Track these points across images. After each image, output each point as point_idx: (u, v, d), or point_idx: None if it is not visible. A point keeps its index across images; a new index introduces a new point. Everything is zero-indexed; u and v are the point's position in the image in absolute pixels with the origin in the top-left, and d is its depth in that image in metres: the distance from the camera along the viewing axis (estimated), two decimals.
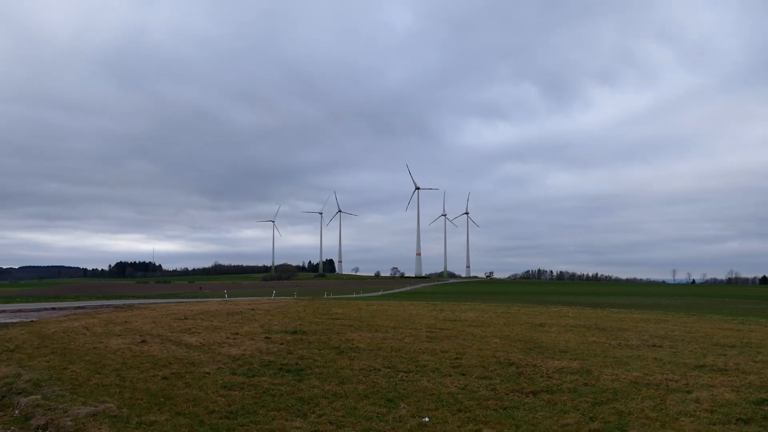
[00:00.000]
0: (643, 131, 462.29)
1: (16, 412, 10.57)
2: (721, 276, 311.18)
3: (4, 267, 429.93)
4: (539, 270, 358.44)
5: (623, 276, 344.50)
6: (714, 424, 9.65)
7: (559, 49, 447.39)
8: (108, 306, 40.46)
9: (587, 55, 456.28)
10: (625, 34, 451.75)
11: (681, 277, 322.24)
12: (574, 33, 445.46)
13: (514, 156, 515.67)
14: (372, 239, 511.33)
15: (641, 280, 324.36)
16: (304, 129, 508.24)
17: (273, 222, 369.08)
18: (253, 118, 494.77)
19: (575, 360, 15.49)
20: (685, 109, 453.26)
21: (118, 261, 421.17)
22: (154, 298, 70.20)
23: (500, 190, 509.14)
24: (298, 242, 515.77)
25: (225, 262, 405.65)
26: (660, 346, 18.47)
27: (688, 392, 11.86)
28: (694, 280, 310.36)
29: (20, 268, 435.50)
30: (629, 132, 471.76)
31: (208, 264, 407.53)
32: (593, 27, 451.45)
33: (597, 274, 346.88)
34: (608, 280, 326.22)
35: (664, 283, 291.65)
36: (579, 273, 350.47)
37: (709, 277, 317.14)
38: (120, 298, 64.57)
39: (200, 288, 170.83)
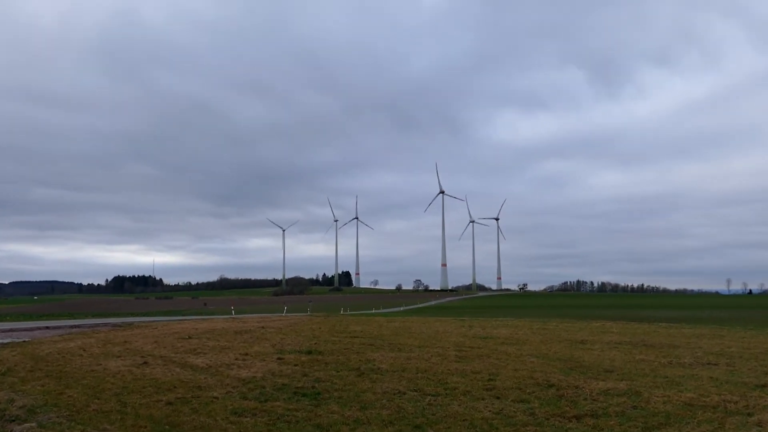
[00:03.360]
0: (702, 121, 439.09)
1: None
2: None
3: None
4: (578, 281, 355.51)
5: (672, 287, 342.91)
6: None
7: (610, 27, 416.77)
8: (106, 324, 40.94)
9: (642, 33, 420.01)
10: (686, 8, 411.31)
11: (736, 287, 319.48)
12: (627, 8, 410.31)
13: (554, 152, 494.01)
14: (393, 248, 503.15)
15: (692, 291, 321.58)
16: (319, 124, 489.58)
17: (283, 230, 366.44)
18: (261, 113, 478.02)
19: (622, 380, 15.42)
20: (751, 95, 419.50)
21: (116, 275, 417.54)
22: (155, 315, 70.82)
23: (536, 191, 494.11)
24: (311, 252, 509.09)
25: (231, 276, 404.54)
26: (716, 364, 18.33)
27: (749, 415, 11.70)
28: (750, 291, 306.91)
29: (10, 283, 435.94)
30: (686, 122, 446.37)
31: (213, 278, 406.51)
32: (649, 1, 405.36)
33: (643, 285, 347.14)
34: (655, 292, 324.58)
35: (717, 294, 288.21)
36: (623, 284, 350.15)
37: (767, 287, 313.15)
38: (118, 315, 65.33)
39: (205, 304, 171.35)
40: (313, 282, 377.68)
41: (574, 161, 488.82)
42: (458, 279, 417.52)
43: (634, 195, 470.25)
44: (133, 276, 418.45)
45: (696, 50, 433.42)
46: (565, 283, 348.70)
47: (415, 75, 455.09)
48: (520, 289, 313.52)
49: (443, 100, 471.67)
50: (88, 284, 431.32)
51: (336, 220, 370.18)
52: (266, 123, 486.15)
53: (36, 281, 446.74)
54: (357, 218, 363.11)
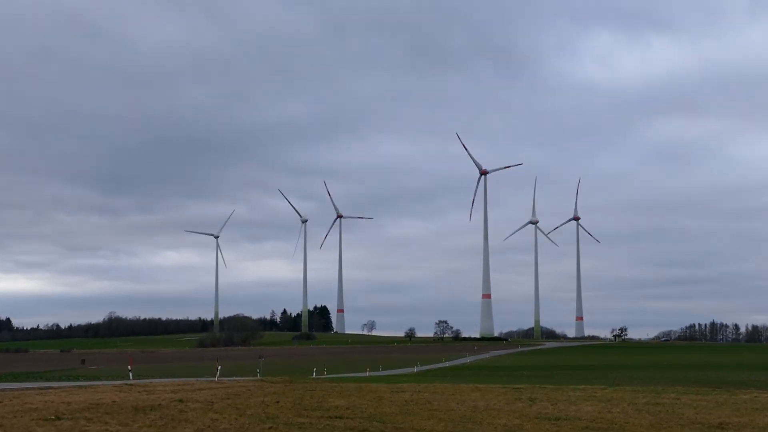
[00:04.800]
0: None
1: None
2: None
3: None
4: (714, 324, 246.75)
5: None
6: None
7: None
8: None
9: None
10: None
11: None
12: None
13: (676, 103, 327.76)
14: (401, 267, 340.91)
15: None
16: (277, 54, 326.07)
17: (215, 238, 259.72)
18: (178, 35, 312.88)
19: None
20: None
21: None
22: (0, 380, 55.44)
23: (644, 170, 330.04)
24: (262, 275, 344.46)
25: (129, 314, 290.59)
26: None
27: None
28: None
29: None
30: None
31: (97, 317, 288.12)
32: None
33: None
34: None
35: None
36: None
37: None
38: None
39: (83, 362, 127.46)
40: (266, 324, 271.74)
41: (712, 119, 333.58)
42: (510, 320, 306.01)
43: None
44: None
45: None
46: (691, 327, 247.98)
47: None
48: (615, 336, 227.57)
49: (486, 17, 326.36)
50: None
51: (305, 220, 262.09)
52: (186, 52, 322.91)
53: None
54: (340, 216, 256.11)
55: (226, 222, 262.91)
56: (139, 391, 32.19)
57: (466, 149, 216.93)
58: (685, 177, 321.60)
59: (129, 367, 60.37)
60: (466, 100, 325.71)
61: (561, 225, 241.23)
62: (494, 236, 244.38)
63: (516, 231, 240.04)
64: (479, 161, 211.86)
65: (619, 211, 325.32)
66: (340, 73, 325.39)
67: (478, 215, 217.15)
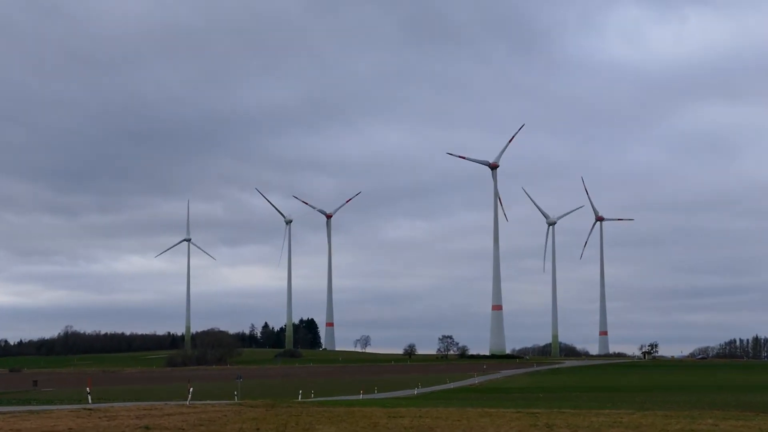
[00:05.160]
0: None
1: None
2: None
3: None
4: (756, 339, 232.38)
5: None
6: None
7: None
8: None
9: None
10: None
11: None
12: None
13: (717, 86, 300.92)
14: (397, 274, 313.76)
15: None
16: (257, 28, 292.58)
17: (187, 242, 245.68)
18: (138, 8, 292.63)
19: None
20: None
21: None
22: None
23: (678, 164, 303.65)
24: (241, 284, 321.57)
25: (88, 328, 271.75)
26: None
27: None
28: None
29: None
30: None
31: (51, 332, 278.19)
32: None
33: None
34: None
35: None
36: None
37: None
38: None
39: (35, 383, 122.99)
40: (245, 340, 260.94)
41: (756, 105, 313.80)
42: (524, 335, 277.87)
43: None
44: None
45: None
46: (731, 343, 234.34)
47: None
48: (644, 354, 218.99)
49: None
50: None
51: (289, 221, 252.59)
52: (152, 28, 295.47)
53: None
54: (328, 216, 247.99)
55: (203, 227, 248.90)
56: (99, 417, 31.27)
57: (465, 158, 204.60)
58: (725, 171, 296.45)
59: (88, 389, 57.35)
60: (473, 83, 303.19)
61: (568, 213, 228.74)
62: (506, 239, 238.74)
63: (569, 212, 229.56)
64: (488, 152, 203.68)
65: (648, 210, 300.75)
66: (328, 51, 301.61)
67: (487, 214, 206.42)
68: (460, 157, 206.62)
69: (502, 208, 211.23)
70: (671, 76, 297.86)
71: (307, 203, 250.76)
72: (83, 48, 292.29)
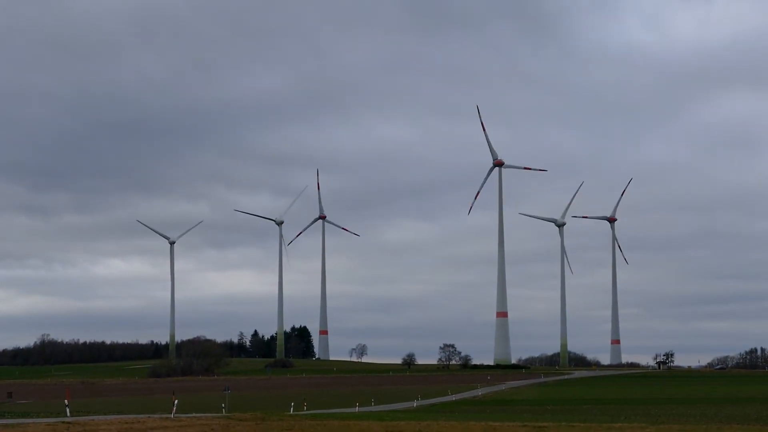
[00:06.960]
0: None
1: None
2: None
3: None
4: None
5: None
6: None
7: None
8: None
9: None
10: None
11: None
12: None
13: (745, 75, 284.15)
14: (396, 280, 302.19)
15: None
16: (244, 14, 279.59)
17: (171, 244, 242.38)
18: None
19: None
20: None
21: None
22: None
23: (700, 159, 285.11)
24: (228, 289, 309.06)
25: (65, 337, 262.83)
26: None
27: None
28: None
29: None
30: None
31: (25, 341, 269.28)
32: None
33: None
34: None
35: None
36: None
37: None
38: None
39: (9, 395, 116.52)
40: (233, 349, 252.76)
41: None
42: (531, 344, 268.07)
43: None
44: None
45: None
46: (752, 352, 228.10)
47: None
48: (659, 364, 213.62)
49: None
50: None
51: (280, 222, 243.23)
52: (131, 12, 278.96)
53: None
54: (323, 218, 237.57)
55: (188, 231, 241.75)
56: (78, 431, 31.60)
57: (484, 130, 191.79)
58: (752, 167, 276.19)
59: (66, 401, 56.95)
60: (480, 72, 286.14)
61: (591, 219, 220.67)
62: (512, 242, 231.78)
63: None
64: (496, 149, 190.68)
65: (666, 211, 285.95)
66: (323, 37, 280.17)
67: (492, 215, 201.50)
68: (482, 124, 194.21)
69: (473, 203, 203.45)
70: (695, 64, 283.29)
71: (319, 188, 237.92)
72: (57, 33, 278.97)
